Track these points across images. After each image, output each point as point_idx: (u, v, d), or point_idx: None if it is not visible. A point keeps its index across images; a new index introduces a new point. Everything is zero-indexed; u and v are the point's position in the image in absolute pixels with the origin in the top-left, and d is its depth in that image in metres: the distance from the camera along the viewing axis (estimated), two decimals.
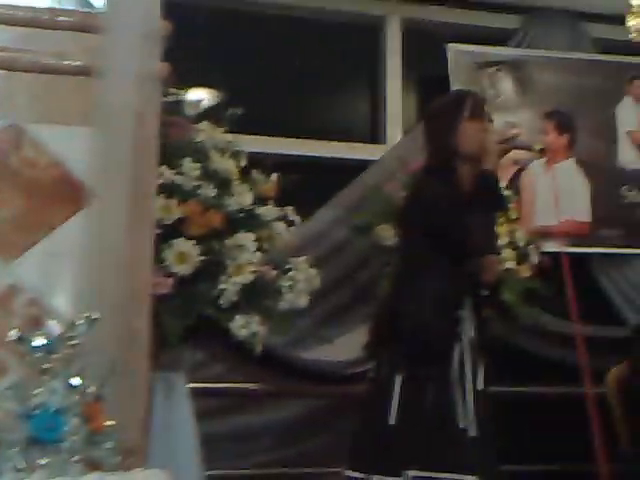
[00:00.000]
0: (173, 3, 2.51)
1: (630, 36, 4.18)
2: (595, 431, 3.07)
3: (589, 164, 4.97)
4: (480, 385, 3.03)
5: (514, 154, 4.54)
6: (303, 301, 3.46)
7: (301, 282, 3.34)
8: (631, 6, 4.11)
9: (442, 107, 3.27)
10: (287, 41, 4.89)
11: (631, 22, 4.13)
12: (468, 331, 3.05)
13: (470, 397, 2.97)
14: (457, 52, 4.80)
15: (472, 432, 2.93)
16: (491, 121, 3.22)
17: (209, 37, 4.59)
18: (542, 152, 3.41)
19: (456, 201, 3.03)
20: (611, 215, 4.96)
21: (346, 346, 4.16)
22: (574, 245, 4.82)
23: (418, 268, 3.09)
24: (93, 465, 1.65)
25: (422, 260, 3.09)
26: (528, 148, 3.39)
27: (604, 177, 4.99)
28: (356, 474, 3.01)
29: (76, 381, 1.67)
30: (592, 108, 5.03)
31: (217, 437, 3.84)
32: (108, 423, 1.70)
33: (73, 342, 1.70)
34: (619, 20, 4.28)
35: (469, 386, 2.99)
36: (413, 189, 3.27)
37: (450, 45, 4.78)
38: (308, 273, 3.44)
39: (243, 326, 3.06)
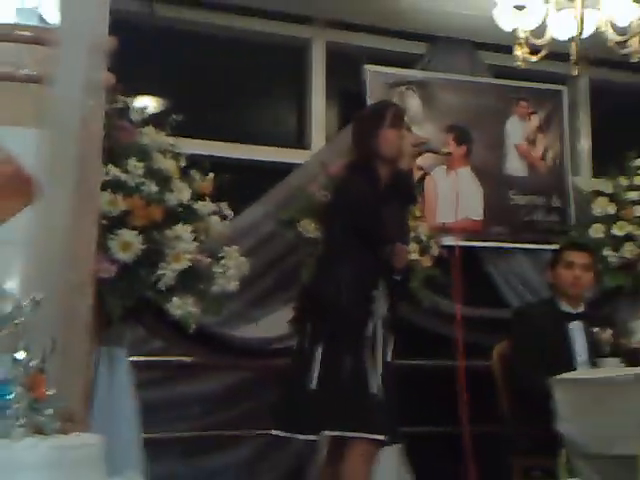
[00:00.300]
0: (123, 21, 2.45)
1: (517, 63, 4.19)
2: (463, 398, 3.10)
3: (482, 171, 4.98)
4: (388, 357, 3.03)
5: (421, 160, 4.59)
6: (233, 285, 3.43)
7: (232, 269, 3.31)
8: (518, 38, 4.13)
9: (367, 115, 3.33)
10: (226, 57, 4.81)
11: (517, 52, 4.15)
12: (381, 309, 3.05)
13: (380, 368, 2.95)
14: (372, 72, 4.77)
15: (380, 397, 2.94)
16: (409, 129, 3.25)
17: (155, 52, 4.49)
18: (448, 154, 3.48)
19: (374, 195, 3.03)
20: (500, 215, 4.98)
21: (270, 325, 4.13)
22: (469, 240, 4.84)
23: (338, 254, 3.09)
24: (35, 429, 1.61)
25: (342, 247, 3.09)
26: (437, 152, 3.44)
27: (495, 182, 5.01)
28: (281, 433, 3.02)
29: (20, 355, 1.64)
30: (485, 124, 5.04)
31: (156, 405, 3.78)
32: (49, 392, 1.66)
33: (19, 321, 1.66)
34: (508, 49, 4.28)
35: (379, 357, 2.98)
36: (338, 184, 3.29)
37: (367, 66, 4.75)
38: (238, 261, 3.41)
39: (179, 307, 3.02)
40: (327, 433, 2.93)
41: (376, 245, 3.06)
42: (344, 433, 2.91)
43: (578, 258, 4.06)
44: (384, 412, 2.94)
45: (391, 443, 3.03)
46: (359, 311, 2.99)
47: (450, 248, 4.52)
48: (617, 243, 4.67)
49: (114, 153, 2.91)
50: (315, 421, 2.92)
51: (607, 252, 4.66)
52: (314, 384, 2.93)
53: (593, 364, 3.66)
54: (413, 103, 4.89)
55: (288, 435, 3.01)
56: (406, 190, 3.15)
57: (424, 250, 4.37)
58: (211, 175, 3.50)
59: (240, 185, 4.31)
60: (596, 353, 3.68)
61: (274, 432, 3.03)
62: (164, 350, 3.94)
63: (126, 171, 2.95)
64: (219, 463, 4.16)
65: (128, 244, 2.84)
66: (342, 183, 3.25)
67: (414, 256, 4.13)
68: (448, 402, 4.20)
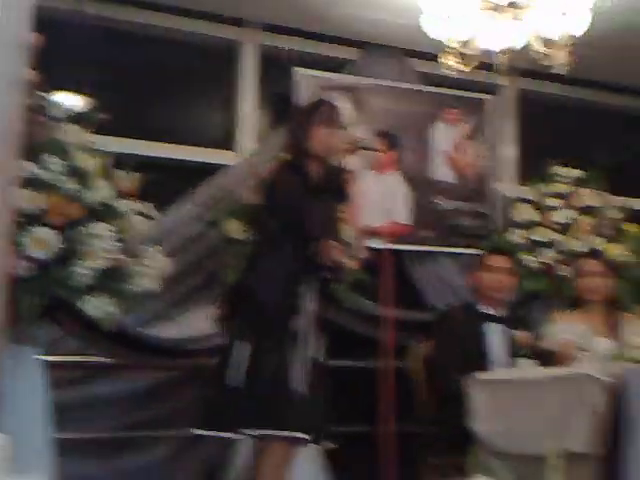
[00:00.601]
0: (51, 17, 2.40)
1: (446, 72, 4.23)
2: (384, 398, 3.11)
3: (410, 176, 5.00)
4: (316, 354, 3.02)
5: (350, 162, 4.60)
6: (155, 285, 3.38)
7: (153, 269, 3.27)
8: (447, 47, 4.17)
9: (301, 112, 3.31)
10: (156, 56, 4.74)
11: (447, 60, 4.19)
12: (308, 306, 3.02)
13: (306, 363, 2.94)
14: (303, 75, 4.76)
15: (305, 394, 2.92)
16: (343, 128, 3.22)
17: (83, 50, 4.43)
18: (381, 152, 3.33)
19: (301, 191, 3.02)
20: (426, 219, 5.00)
21: (192, 325, 4.09)
22: (396, 243, 4.86)
23: (265, 252, 3.08)
24: None
25: (269, 245, 3.08)
26: (372, 149, 3.39)
27: (422, 188, 5.03)
28: (205, 432, 2.98)
29: None
30: (414, 130, 5.06)
31: (71, 405, 3.72)
32: None
33: None
34: (436, 57, 4.30)
35: (307, 354, 2.96)
36: (269, 177, 3.24)
37: (297, 69, 4.74)
38: (160, 261, 3.37)
39: (97, 306, 2.97)
40: (247, 432, 2.90)
41: (302, 241, 3.02)
42: (263, 431, 2.88)
43: (500, 262, 4.13)
44: (307, 410, 2.91)
45: (316, 442, 3.00)
46: (283, 306, 2.97)
47: (377, 251, 4.53)
48: (537, 248, 4.74)
49: (33, 150, 2.85)
50: (240, 420, 2.89)
51: (527, 257, 4.72)
52: (240, 382, 2.90)
53: (510, 365, 3.70)
54: (343, 107, 4.88)
55: (210, 434, 2.96)
56: (337, 187, 3.13)
57: (350, 253, 4.36)
58: (136, 174, 3.45)
59: (166, 185, 4.28)
60: (513, 354, 3.73)
61: (196, 431, 2.98)
62: (83, 349, 3.87)
63: (45, 168, 2.89)
64: (135, 463, 4.10)
65: (43, 241, 2.77)
66: (272, 178, 3.23)
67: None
68: (370, 402, 4.21)
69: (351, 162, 4.72)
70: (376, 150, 3.43)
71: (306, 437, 2.88)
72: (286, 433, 2.87)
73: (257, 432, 2.91)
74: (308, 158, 3.13)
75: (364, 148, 3.40)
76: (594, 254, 4.34)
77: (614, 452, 2.61)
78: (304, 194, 3.03)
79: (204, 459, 4.13)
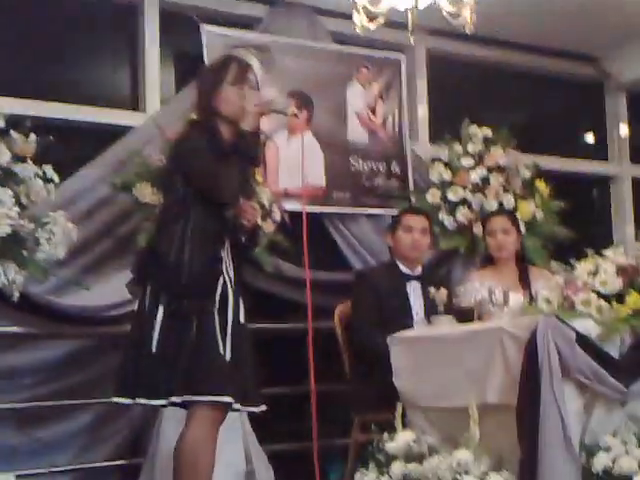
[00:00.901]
0: None
1: (356, 30, 4.16)
2: (308, 359, 3.09)
3: (324, 137, 4.92)
4: (239, 317, 2.93)
5: (264, 124, 4.49)
6: (60, 252, 3.24)
7: (59, 235, 3.14)
8: (356, 4, 4.09)
9: (209, 70, 3.12)
10: (54, 12, 4.48)
11: (356, 19, 4.12)
12: (229, 270, 2.93)
13: (230, 329, 2.85)
14: (210, 33, 4.59)
15: (229, 358, 2.82)
16: (254, 87, 3.06)
17: None
18: (294, 116, 3.22)
19: (213, 153, 2.87)
20: (341, 180, 4.95)
21: (105, 292, 3.95)
22: (311, 205, 4.80)
23: (181, 212, 2.89)
24: None
25: (184, 205, 2.90)
26: (283, 112, 3.21)
27: (336, 149, 4.96)
28: (123, 399, 2.85)
29: None
30: (327, 90, 4.98)
31: None
32: None
33: None
34: (349, 16, 4.22)
35: (230, 318, 2.87)
36: (177, 139, 3.07)
37: (204, 26, 4.57)
38: (65, 227, 3.23)
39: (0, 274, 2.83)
40: (174, 398, 2.79)
41: (215, 204, 2.90)
42: (192, 397, 2.78)
43: (416, 222, 4.13)
44: (232, 374, 2.82)
45: (242, 405, 2.90)
46: (205, 271, 2.84)
47: (293, 213, 4.47)
48: (452, 208, 4.76)
49: None
50: (159, 386, 2.78)
51: (443, 216, 4.73)
52: (155, 347, 2.77)
53: (429, 322, 3.71)
54: (253, 67, 4.76)
55: (130, 402, 2.84)
56: (249, 151, 2.94)
57: (266, 215, 4.30)
58: (33, 136, 3.28)
59: (69, 148, 4.10)
60: (432, 312, 3.74)
61: (115, 399, 2.86)
62: None
63: None
64: (56, 433, 3.98)
65: None
66: (180, 140, 3.03)
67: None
68: (295, 364, 4.19)
69: (264, 123, 4.67)
70: (289, 114, 3.22)
71: (231, 401, 2.80)
72: (211, 398, 2.78)
73: (181, 399, 2.80)
74: (218, 119, 2.97)
75: (277, 111, 3.21)
76: (499, 212, 4.39)
77: (527, 402, 2.65)
78: (215, 157, 2.88)
79: (128, 427, 4.04)
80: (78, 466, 3.97)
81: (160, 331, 2.78)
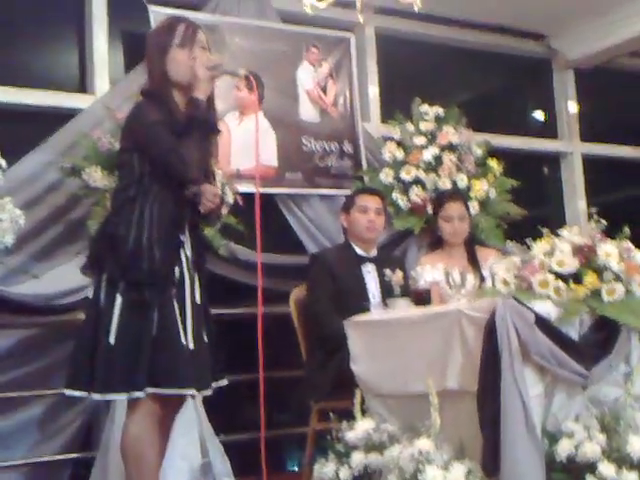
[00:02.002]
0: None
1: (304, 9, 4.07)
2: (262, 344, 3.01)
3: (275, 117, 4.83)
4: (198, 300, 2.80)
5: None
6: (9, 239, 3.13)
7: (6, 222, 3.01)
8: None
9: (155, 34, 2.91)
10: None
11: None
12: (187, 253, 2.79)
13: (189, 313, 2.73)
14: (158, 14, 4.45)
15: (191, 345, 2.71)
16: (205, 49, 2.89)
17: None
18: (246, 78, 3.02)
19: (169, 126, 2.71)
20: (293, 161, 4.87)
21: (55, 280, 3.81)
22: (264, 186, 4.70)
23: (138, 194, 2.72)
24: None
25: (141, 186, 2.73)
26: (236, 74, 3.02)
27: (288, 129, 4.88)
28: (77, 392, 2.69)
29: None
30: (277, 69, 4.90)
31: None
32: None
33: None
34: None
35: (189, 303, 2.74)
36: (131, 114, 2.85)
37: (151, 7, 4.45)
38: (13, 213, 3.11)
39: None
40: (136, 393, 2.64)
41: (177, 184, 2.73)
42: (155, 390, 2.64)
43: (371, 202, 4.07)
44: (196, 361, 2.71)
45: (198, 391, 2.79)
46: (164, 257, 2.68)
47: (245, 195, 4.37)
48: (405, 187, 4.70)
49: None
50: (118, 379, 2.62)
51: (397, 196, 4.68)
52: (113, 338, 2.62)
53: (386, 305, 3.65)
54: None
55: (84, 395, 2.69)
56: (206, 121, 2.74)
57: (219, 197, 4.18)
58: None
59: (16, 132, 3.95)
60: (388, 294, 3.66)
61: (67, 392, 2.71)
62: None
63: None
64: (6, 426, 3.84)
65: None
66: (134, 115, 2.82)
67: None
68: (248, 350, 4.10)
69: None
70: (241, 75, 2.99)
71: (195, 393, 2.70)
72: (176, 391, 2.67)
73: (144, 393, 2.64)
74: (171, 87, 2.78)
75: (229, 73, 3.01)
76: (454, 197, 4.26)
77: (488, 387, 2.59)
78: (173, 129, 2.69)
79: (80, 419, 3.92)
80: (30, 460, 3.85)
81: (119, 322, 2.63)
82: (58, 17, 4.58)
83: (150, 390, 2.64)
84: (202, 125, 2.73)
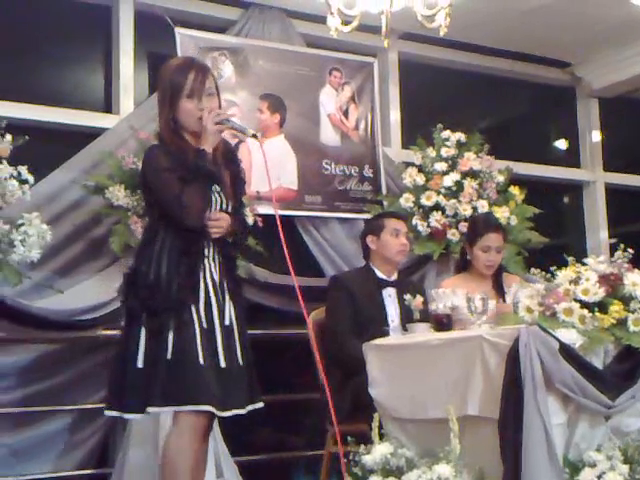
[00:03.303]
0: None
1: (330, 34, 4.13)
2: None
3: (296, 140, 4.90)
4: (227, 322, 2.89)
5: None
6: (35, 254, 3.18)
7: (33, 236, 3.07)
8: (330, 8, 4.06)
9: (167, 77, 2.93)
10: (28, 14, 4.42)
11: (330, 22, 4.09)
12: (214, 274, 2.88)
13: (219, 335, 2.83)
14: (184, 36, 4.56)
15: (222, 364, 2.81)
16: (215, 93, 2.94)
17: None
18: (254, 137, 2.97)
19: (175, 172, 2.80)
20: (314, 184, 4.92)
21: (77, 296, 3.87)
22: (284, 209, 4.76)
23: (157, 232, 2.88)
24: None
25: (159, 224, 2.88)
26: (243, 132, 2.98)
27: (309, 152, 4.94)
28: (112, 412, 2.85)
29: None
30: (299, 93, 4.96)
31: None
32: None
33: None
34: (321, 19, 4.20)
35: (217, 325, 2.84)
36: (144, 160, 2.99)
37: (178, 29, 4.54)
38: (40, 229, 3.16)
39: None
40: (151, 410, 2.74)
41: (179, 227, 2.84)
42: (170, 408, 2.76)
43: (403, 226, 4.06)
44: (216, 381, 2.78)
45: (226, 411, 2.85)
46: (180, 284, 2.81)
47: (266, 217, 4.42)
48: (425, 212, 4.74)
49: None
50: (141, 399, 2.75)
51: (416, 221, 4.71)
52: (141, 362, 2.76)
53: (405, 329, 3.66)
54: (227, 70, 4.74)
55: (118, 415, 2.84)
56: (208, 171, 2.81)
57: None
58: (8, 137, 3.22)
59: (43, 149, 4.03)
60: (407, 319, 3.68)
61: (105, 412, 2.88)
62: None
63: None
64: (25, 440, 3.90)
65: None
66: (145, 162, 2.95)
67: None
68: (268, 371, 4.13)
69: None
70: (249, 135, 3.01)
71: (211, 409, 2.75)
72: (189, 407, 2.73)
73: (160, 409, 2.78)
74: (181, 132, 2.89)
75: (236, 130, 2.98)
76: (495, 226, 4.10)
77: (510, 415, 2.59)
78: (178, 179, 2.78)
79: (97, 435, 3.96)
80: (48, 475, 3.89)
81: (144, 349, 2.77)
82: (85, 38, 4.68)
83: (165, 408, 2.75)
84: (206, 176, 2.82)
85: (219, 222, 2.89)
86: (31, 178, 3.22)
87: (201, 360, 2.75)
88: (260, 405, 2.95)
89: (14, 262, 3.06)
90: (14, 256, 3.03)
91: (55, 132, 4.36)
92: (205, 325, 2.82)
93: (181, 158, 2.84)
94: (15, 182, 3.10)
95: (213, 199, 2.90)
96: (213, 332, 2.83)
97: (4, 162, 3.13)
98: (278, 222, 3.02)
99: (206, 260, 2.89)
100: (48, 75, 4.51)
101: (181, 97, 2.85)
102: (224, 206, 2.93)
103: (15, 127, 3.39)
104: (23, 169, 3.20)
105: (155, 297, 2.79)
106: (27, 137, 3.28)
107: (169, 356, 2.74)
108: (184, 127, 2.88)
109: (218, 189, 2.92)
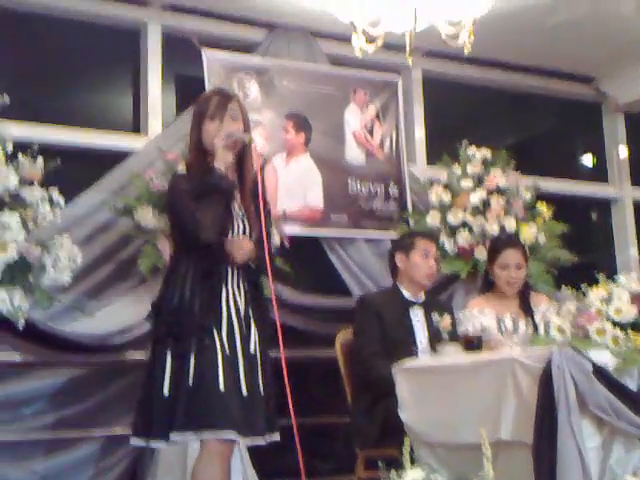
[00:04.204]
0: None
1: (355, 53, 4.15)
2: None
3: (322, 159, 4.91)
4: (252, 350, 2.92)
5: (261, 147, 4.45)
6: (66, 277, 3.20)
7: (64, 259, 3.10)
8: (355, 28, 4.09)
9: (196, 105, 3.07)
10: (58, 38, 4.51)
11: (355, 41, 4.12)
12: (238, 301, 2.93)
13: (241, 362, 2.86)
14: (211, 57, 4.60)
15: (244, 392, 2.83)
16: (237, 117, 2.99)
17: None
18: (250, 142, 3.04)
19: (191, 193, 2.86)
20: (339, 203, 4.93)
21: (106, 319, 3.90)
22: (310, 228, 4.77)
23: (181, 252, 2.95)
24: None
25: (183, 245, 2.95)
26: (244, 141, 3.00)
27: (334, 170, 4.95)
28: (138, 441, 2.88)
29: None
30: (324, 112, 4.98)
31: None
32: None
33: None
34: (345, 39, 4.26)
35: (240, 351, 2.87)
36: (168, 184, 3.12)
37: (205, 50, 4.58)
38: (71, 251, 3.19)
39: (5, 301, 2.79)
40: (174, 436, 2.75)
41: (193, 247, 2.88)
42: (191, 435, 2.76)
43: (432, 248, 3.98)
44: (247, 406, 2.81)
45: (248, 438, 2.86)
46: (203, 310, 2.85)
47: (292, 237, 4.44)
48: (452, 231, 4.72)
49: None
50: (165, 426, 2.77)
51: (443, 240, 4.69)
52: (167, 390, 2.80)
53: (434, 350, 3.63)
54: (252, 89, 4.77)
55: (144, 443, 2.87)
56: (217, 186, 2.87)
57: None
58: (40, 160, 3.26)
59: (73, 171, 4.07)
60: (436, 340, 3.64)
61: (131, 441, 2.90)
62: None
63: None
64: (54, 466, 3.91)
65: None
66: (169, 184, 3.09)
67: None
68: (294, 394, 4.13)
69: (261, 146, 4.65)
70: (248, 142, 3.00)
71: (234, 437, 2.76)
72: (211, 435, 2.74)
73: (182, 437, 2.77)
74: (205, 155, 2.96)
75: (236, 140, 2.97)
76: (512, 243, 4.08)
77: (544, 439, 2.57)
78: (193, 199, 2.85)
79: (126, 460, 3.96)
80: None
81: (170, 374, 2.81)
82: (114, 62, 4.75)
83: (188, 436, 2.75)
84: (216, 191, 2.86)
85: (241, 246, 2.92)
86: (62, 201, 3.25)
87: (221, 386, 2.77)
88: (277, 437, 2.96)
89: (45, 286, 3.08)
90: (45, 279, 3.05)
91: (84, 154, 4.41)
92: (228, 352, 2.84)
93: (199, 179, 2.91)
94: (47, 205, 3.13)
95: (236, 225, 2.96)
96: (236, 360, 2.86)
97: (35, 185, 3.17)
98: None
99: (230, 287, 2.93)
100: (78, 98, 4.56)
101: (205, 120, 2.96)
102: (247, 231, 2.97)
103: (46, 150, 3.43)
104: (55, 192, 3.23)
105: (179, 322, 2.83)
106: (58, 160, 3.31)
107: (190, 382, 2.78)
108: (207, 149, 2.96)
109: (241, 214, 2.97)
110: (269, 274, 2.93)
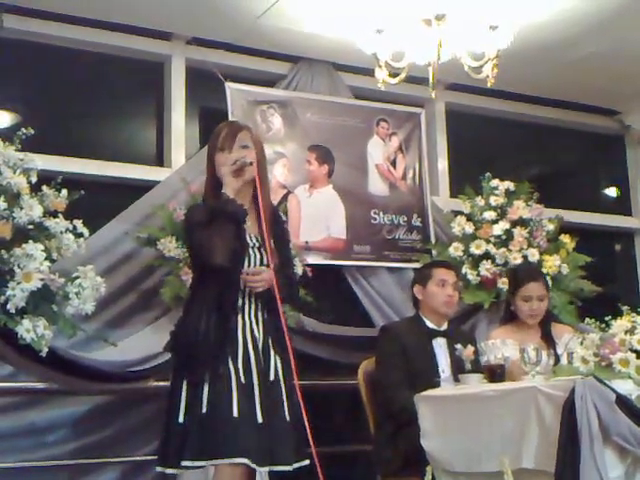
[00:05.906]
0: None
1: (378, 85, 4.18)
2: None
3: (345, 190, 4.94)
4: (272, 377, 2.93)
5: (284, 178, 4.48)
6: (89, 307, 3.23)
7: (87, 289, 3.13)
8: (378, 61, 4.13)
9: (210, 139, 3.12)
10: (83, 72, 4.58)
11: (378, 74, 4.16)
12: (254, 330, 2.94)
13: (257, 389, 2.86)
14: (234, 90, 4.67)
15: (259, 419, 2.82)
16: (247, 147, 3.01)
17: (7, 65, 4.24)
18: (250, 164, 2.97)
19: (205, 223, 2.89)
20: (362, 234, 4.95)
21: (128, 348, 3.91)
22: (333, 259, 4.78)
23: (198, 282, 2.99)
24: None
25: (199, 273, 2.99)
26: (244, 164, 2.96)
27: (357, 202, 4.98)
28: (159, 468, 2.90)
29: None
30: (347, 144, 5.02)
31: (8, 433, 3.50)
32: None
33: None
34: (368, 72, 4.28)
35: (255, 379, 2.87)
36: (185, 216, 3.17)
37: (228, 83, 4.65)
38: (94, 281, 3.22)
39: (29, 330, 2.82)
40: (184, 464, 2.76)
41: (205, 272, 2.92)
42: (202, 462, 2.78)
43: (450, 277, 3.97)
44: (250, 434, 2.78)
45: (261, 466, 2.84)
46: (217, 339, 2.87)
47: (315, 267, 4.44)
48: (475, 261, 4.71)
49: None
50: (176, 453, 2.79)
51: (466, 270, 4.68)
52: (182, 418, 2.82)
53: (456, 380, 3.62)
54: (275, 122, 4.83)
55: (162, 470, 2.88)
56: (223, 210, 2.89)
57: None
58: (64, 192, 3.31)
59: (97, 203, 4.12)
60: (459, 369, 3.64)
61: (157, 469, 2.92)
62: (15, 375, 3.69)
63: None
64: None
65: None
66: (185, 216, 3.15)
67: None
68: (316, 423, 4.11)
69: (284, 178, 4.69)
70: (248, 164, 3.00)
71: (246, 462, 2.75)
72: (224, 461, 2.75)
73: (193, 463, 2.78)
74: (219, 186, 2.99)
75: (240, 164, 2.97)
76: (533, 276, 4.04)
77: (567, 468, 2.55)
78: (204, 224, 2.89)
79: None
80: None
81: (185, 403, 2.83)
82: (138, 94, 4.82)
83: (201, 462, 2.77)
84: (224, 216, 2.89)
85: (259, 277, 2.93)
86: (86, 231, 3.29)
87: (235, 413, 2.78)
88: (306, 462, 2.94)
89: (69, 315, 3.12)
90: (69, 309, 3.08)
91: (108, 185, 4.46)
92: (243, 380, 2.85)
93: (212, 208, 2.94)
94: (71, 236, 3.18)
95: (252, 254, 2.97)
96: (251, 387, 2.86)
97: (60, 216, 3.21)
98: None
99: (247, 317, 2.95)
100: (102, 130, 4.63)
101: (216, 151, 3.02)
102: (264, 261, 2.98)
103: (70, 181, 3.48)
104: (78, 223, 3.28)
105: (194, 351, 2.86)
106: (82, 191, 3.36)
107: (204, 410, 2.79)
108: (220, 180, 2.99)
109: (257, 245, 2.99)
110: (278, 300, 2.93)
